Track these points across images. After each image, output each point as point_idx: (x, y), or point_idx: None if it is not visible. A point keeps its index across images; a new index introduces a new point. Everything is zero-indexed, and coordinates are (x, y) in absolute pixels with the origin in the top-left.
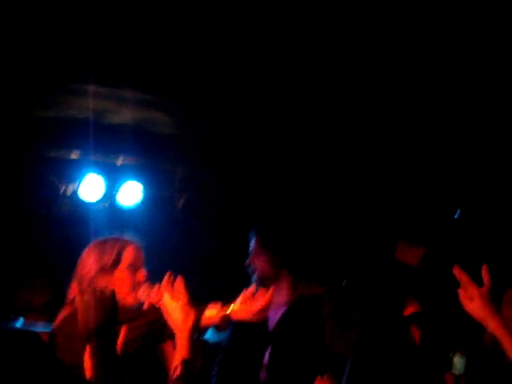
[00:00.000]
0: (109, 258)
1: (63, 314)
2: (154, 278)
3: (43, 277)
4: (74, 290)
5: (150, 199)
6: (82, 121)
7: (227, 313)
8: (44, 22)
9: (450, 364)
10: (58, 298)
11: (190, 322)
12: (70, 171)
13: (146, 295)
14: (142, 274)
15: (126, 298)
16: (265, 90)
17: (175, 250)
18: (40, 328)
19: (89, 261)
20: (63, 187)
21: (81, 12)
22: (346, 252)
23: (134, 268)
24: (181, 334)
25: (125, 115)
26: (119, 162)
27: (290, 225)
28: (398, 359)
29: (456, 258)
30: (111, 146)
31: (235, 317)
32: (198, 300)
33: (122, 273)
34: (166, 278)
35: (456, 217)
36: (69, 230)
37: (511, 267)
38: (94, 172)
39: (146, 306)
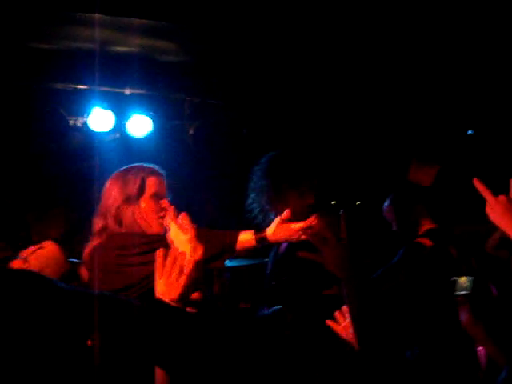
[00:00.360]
0: (132, 188)
1: (92, 244)
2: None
3: (58, 208)
4: (99, 222)
5: (160, 129)
6: (88, 51)
7: (264, 234)
8: None
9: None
10: (74, 228)
11: (196, 257)
12: (78, 103)
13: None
14: (166, 201)
15: (152, 226)
16: (272, 16)
17: (188, 178)
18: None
19: (113, 192)
20: (72, 119)
21: None
22: (360, 174)
23: (157, 196)
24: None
25: (131, 44)
26: (127, 92)
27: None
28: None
29: (469, 174)
30: (118, 76)
31: (273, 237)
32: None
33: (146, 202)
34: (171, 211)
35: (469, 133)
36: (80, 161)
37: None
38: (103, 103)
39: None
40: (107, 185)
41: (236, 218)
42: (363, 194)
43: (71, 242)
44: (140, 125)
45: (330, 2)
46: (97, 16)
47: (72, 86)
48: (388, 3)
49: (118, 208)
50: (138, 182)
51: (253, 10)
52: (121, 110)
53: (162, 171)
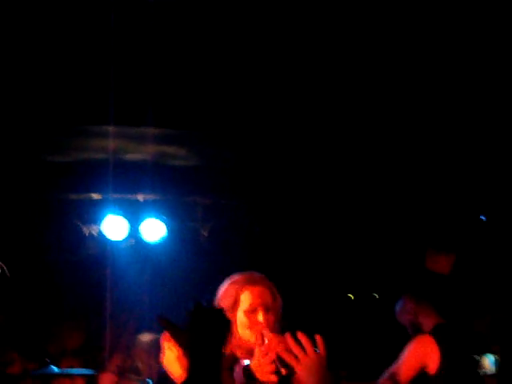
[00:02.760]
0: (227, 302)
1: None
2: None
3: (75, 320)
4: None
5: (174, 232)
6: (101, 161)
7: None
8: (62, 66)
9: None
10: (91, 340)
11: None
12: (92, 212)
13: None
14: (259, 316)
15: (251, 339)
16: (278, 119)
17: (205, 279)
18: (77, 371)
19: (221, 301)
20: (87, 229)
21: (99, 53)
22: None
23: (253, 309)
24: None
25: (143, 152)
26: (140, 198)
27: None
28: None
29: (486, 262)
30: (131, 183)
31: None
32: None
33: (242, 315)
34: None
35: (483, 219)
36: (97, 270)
37: None
38: (116, 210)
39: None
40: (218, 291)
41: None
42: (378, 286)
43: (90, 353)
44: (154, 229)
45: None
46: (110, 128)
47: (86, 195)
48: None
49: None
50: (233, 295)
51: (257, 112)
52: (134, 216)
53: (264, 278)
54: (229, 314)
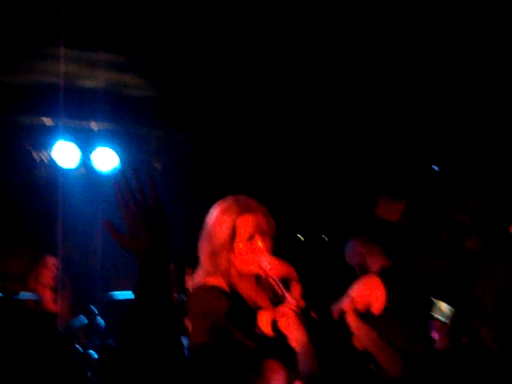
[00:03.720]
0: (223, 235)
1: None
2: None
3: (21, 245)
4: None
5: (127, 164)
6: (53, 86)
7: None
8: None
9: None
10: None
11: None
12: (43, 137)
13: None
14: (258, 241)
15: (251, 267)
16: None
17: None
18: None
19: (213, 239)
20: (38, 154)
21: None
22: (326, 207)
23: (253, 237)
24: None
25: (96, 79)
26: (94, 127)
27: None
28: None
29: (437, 210)
30: (84, 111)
31: None
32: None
33: (241, 244)
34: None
35: (436, 169)
36: (47, 197)
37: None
38: (68, 137)
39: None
40: (208, 222)
41: None
42: (330, 230)
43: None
44: (106, 159)
45: None
46: (62, 50)
47: (37, 119)
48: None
49: (216, 253)
50: (230, 225)
51: (214, 46)
52: (87, 144)
53: (257, 204)
54: (227, 246)
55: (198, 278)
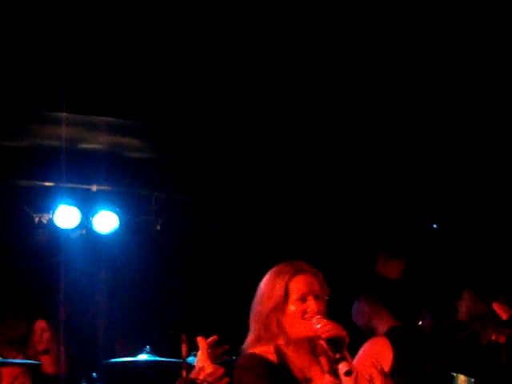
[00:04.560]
0: (278, 295)
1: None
2: (136, 305)
3: (20, 309)
4: (252, 327)
5: (127, 225)
6: (54, 149)
7: None
8: (15, 51)
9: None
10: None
11: None
12: (43, 200)
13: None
14: (311, 303)
15: (299, 329)
16: (237, 114)
17: (156, 274)
18: (19, 361)
19: (264, 297)
20: (38, 216)
21: (53, 39)
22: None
23: (304, 298)
24: None
25: (97, 141)
26: (94, 188)
27: None
28: None
29: (436, 269)
30: (85, 173)
31: None
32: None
33: (293, 305)
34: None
35: (435, 227)
36: (46, 259)
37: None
38: (69, 200)
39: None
40: (261, 284)
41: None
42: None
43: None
44: (106, 221)
45: None
46: (63, 115)
47: (38, 183)
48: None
49: (268, 316)
50: (283, 287)
51: (215, 107)
52: (87, 206)
53: (310, 267)
54: (279, 308)
55: (246, 345)
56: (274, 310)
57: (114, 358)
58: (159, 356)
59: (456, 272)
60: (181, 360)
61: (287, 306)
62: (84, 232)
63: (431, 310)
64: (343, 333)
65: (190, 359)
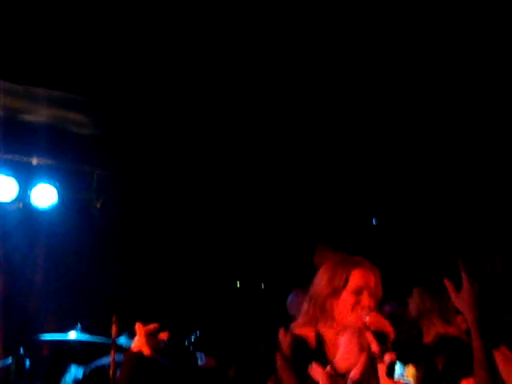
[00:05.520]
0: (339, 282)
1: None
2: (71, 280)
3: None
4: (306, 305)
5: (66, 201)
6: None
7: None
8: None
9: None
10: None
11: None
12: None
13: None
14: (366, 297)
15: (346, 319)
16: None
17: (92, 255)
18: None
19: (323, 281)
20: None
21: None
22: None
23: (359, 291)
24: None
25: (39, 114)
26: (34, 161)
27: None
28: None
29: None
30: (25, 145)
31: None
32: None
33: (347, 295)
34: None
35: (374, 223)
36: None
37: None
38: (6, 171)
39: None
40: (321, 270)
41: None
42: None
43: None
44: (45, 195)
45: None
46: (2, 83)
47: None
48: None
49: (325, 299)
50: (345, 274)
51: (160, 85)
52: (26, 179)
53: (372, 265)
54: (337, 293)
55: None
56: (331, 295)
57: (44, 334)
58: (89, 335)
59: (405, 268)
60: (110, 340)
61: (344, 292)
62: (21, 205)
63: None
64: (390, 328)
65: (121, 340)
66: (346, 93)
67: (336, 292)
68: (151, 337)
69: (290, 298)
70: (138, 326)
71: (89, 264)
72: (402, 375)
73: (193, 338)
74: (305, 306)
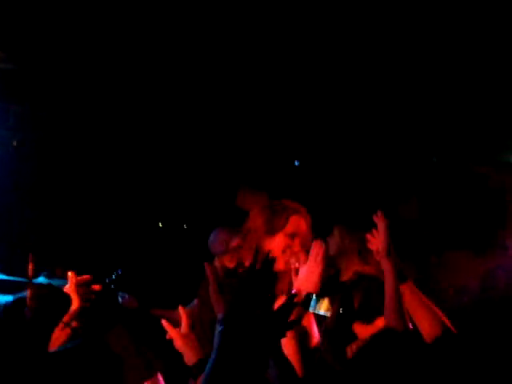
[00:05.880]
0: (278, 223)
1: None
2: None
3: None
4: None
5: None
6: None
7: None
8: None
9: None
10: None
11: None
12: None
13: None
14: (298, 244)
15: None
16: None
17: (7, 193)
18: None
19: (259, 220)
20: None
21: None
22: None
23: (292, 236)
24: None
25: None
26: None
27: None
28: None
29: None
30: None
31: None
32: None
33: (280, 238)
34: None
35: (296, 164)
36: None
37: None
38: None
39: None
40: (258, 210)
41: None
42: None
43: None
44: None
45: None
46: None
47: None
48: None
49: (260, 237)
50: (285, 217)
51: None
52: None
53: (306, 212)
54: (270, 233)
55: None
56: (266, 233)
57: None
58: (5, 274)
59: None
60: (26, 280)
61: (277, 235)
62: None
63: None
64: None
65: (39, 279)
66: None
67: (272, 231)
68: (82, 287)
69: (212, 237)
70: (71, 275)
71: (2, 202)
72: (315, 308)
73: (114, 276)
74: (234, 243)
